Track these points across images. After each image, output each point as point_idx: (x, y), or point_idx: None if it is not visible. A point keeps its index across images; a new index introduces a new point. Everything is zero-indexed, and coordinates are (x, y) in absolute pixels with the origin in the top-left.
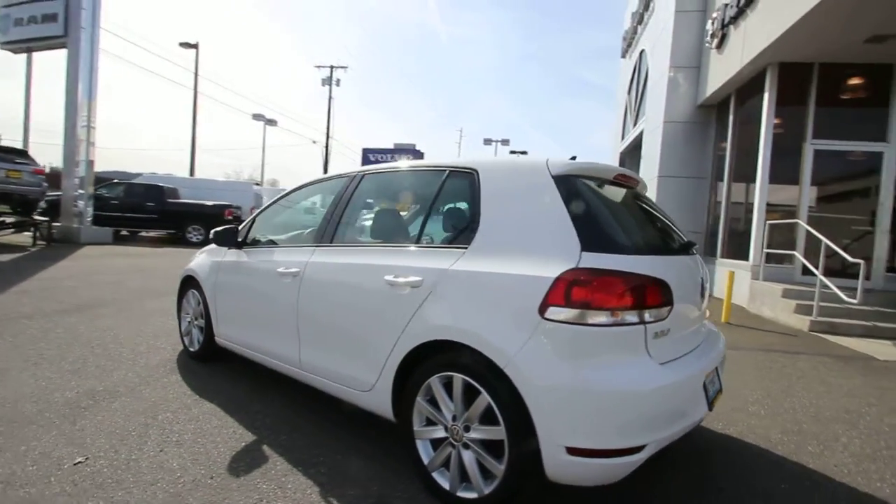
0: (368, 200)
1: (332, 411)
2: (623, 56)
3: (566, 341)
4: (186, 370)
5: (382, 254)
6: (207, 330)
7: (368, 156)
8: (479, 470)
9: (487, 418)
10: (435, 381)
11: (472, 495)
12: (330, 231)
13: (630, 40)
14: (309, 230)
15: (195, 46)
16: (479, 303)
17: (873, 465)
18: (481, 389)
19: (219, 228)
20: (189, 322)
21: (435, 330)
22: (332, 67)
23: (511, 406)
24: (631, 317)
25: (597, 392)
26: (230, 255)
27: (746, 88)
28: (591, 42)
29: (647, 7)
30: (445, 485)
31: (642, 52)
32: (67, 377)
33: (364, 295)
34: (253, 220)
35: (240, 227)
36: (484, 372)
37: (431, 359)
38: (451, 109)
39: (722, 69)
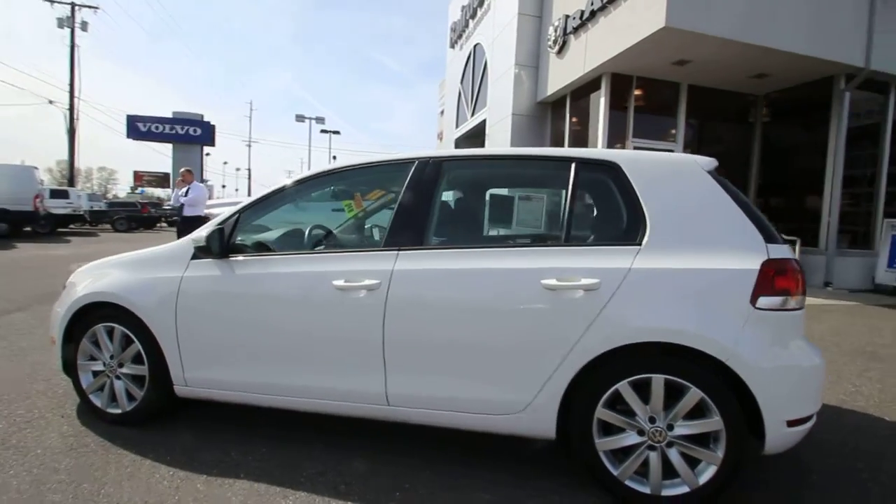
0: (461, 193)
1: (409, 446)
2: (452, 46)
3: (775, 326)
4: (134, 444)
5: (520, 255)
6: (157, 379)
7: (137, 124)
8: (687, 464)
9: (696, 412)
10: (625, 387)
11: (682, 490)
12: (415, 230)
13: (461, 32)
14: (305, 231)
15: None
16: (684, 300)
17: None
18: (690, 385)
19: (206, 232)
20: (103, 372)
21: (632, 333)
22: (73, 5)
23: (729, 395)
24: (802, 300)
25: (804, 368)
26: (200, 268)
27: (580, 91)
28: (386, 25)
29: (480, 3)
30: (645, 489)
31: (477, 45)
32: None
33: (510, 305)
34: (236, 221)
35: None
36: (693, 368)
37: (617, 364)
38: (235, 80)
39: (562, 72)
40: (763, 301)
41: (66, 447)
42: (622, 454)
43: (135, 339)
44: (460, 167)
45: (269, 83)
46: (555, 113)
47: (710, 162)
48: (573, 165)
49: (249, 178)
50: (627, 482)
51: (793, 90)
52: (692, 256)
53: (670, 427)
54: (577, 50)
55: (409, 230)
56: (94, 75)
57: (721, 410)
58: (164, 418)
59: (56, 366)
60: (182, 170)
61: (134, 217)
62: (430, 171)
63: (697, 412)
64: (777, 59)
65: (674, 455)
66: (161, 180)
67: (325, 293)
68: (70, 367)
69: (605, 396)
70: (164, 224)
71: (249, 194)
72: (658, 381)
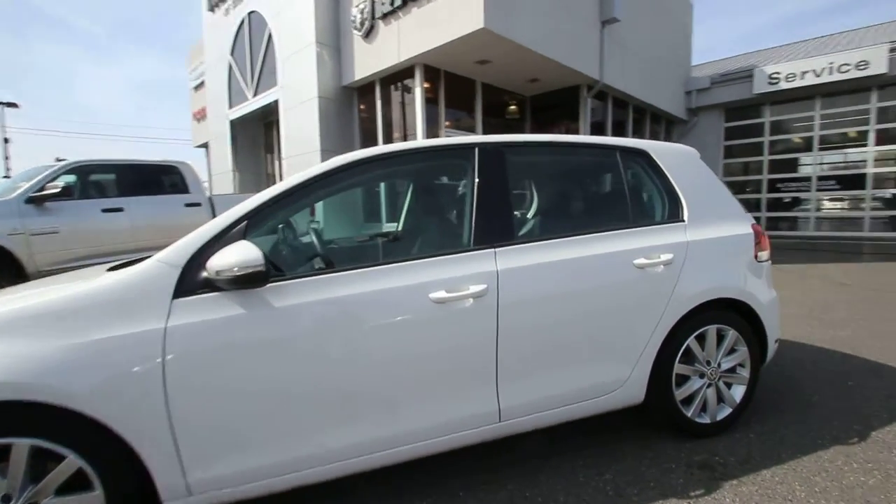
0: (534, 182)
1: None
2: (212, 10)
3: (764, 273)
4: None
5: (605, 240)
6: (122, 502)
7: None
8: (728, 389)
9: (731, 348)
10: (693, 342)
11: (727, 412)
12: (503, 224)
13: None
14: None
15: None
16: (722, 262)
17: None
18: (730, 328)
19: (256, 252)
20: None
21: (699, 295)
22: None
23: (750, 330)
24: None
25: (776, 301)
26: (198, 310)
27: (391, 79)
28: None
29: None
30: (706, 420)
31: (253, 13)
32: None
33: (611, 288)
34: (245, 229)
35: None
36: (732, 315)
37: (687, 324)
38: None
39: (372, 58)
40: (760, 255)
41: None
42: (688, 399)
43: (69, 453)
44: (520, 154)
45: None
46: (362, 98)
47: (696, 151)
48: (618, 153)
49: None
50: (696, 419)
51: (551, 94)
52: (715, 227)
53: (719, 365)
54: (389, 37)
55: (497, 224)
56: None
57: (747, 342)
58: None
59: None
60: None
61: None
62: (496, 158)
63: (732, 348)
64: (549, 67)
65: (721, 386)
66: None
67: (420, 310)
68: None
69: (679, 353)
70: None
71: None
72: (712, 331)
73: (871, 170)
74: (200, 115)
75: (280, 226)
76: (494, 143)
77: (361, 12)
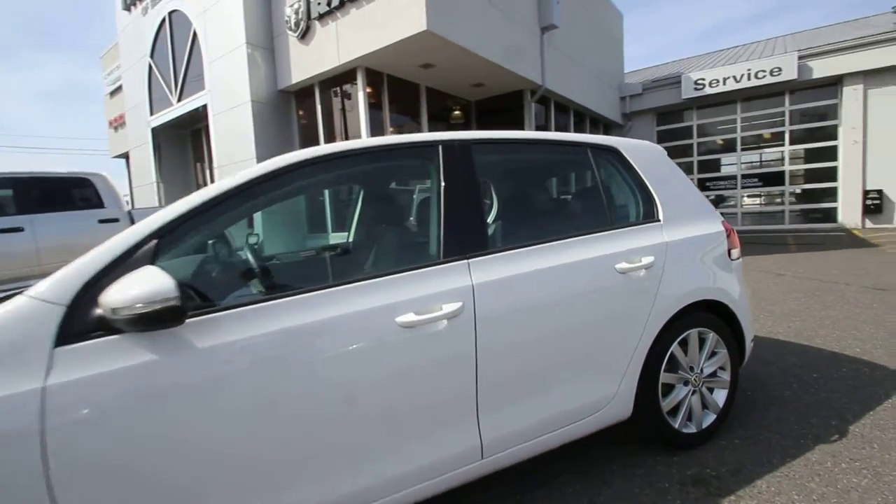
0: (494, 182)
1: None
2: (128, 9)
3: (737, 272)
4: None
5: (586, 244)
6: None
7: None
8: (712, 396)
9: (712, 353)
10: (676, 348)
11: (712, 418)
12: (475, 232)
13: None
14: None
15: None
16: (701, 262)
17: None
18: (710, 331)
19: (170, 282)
20: None
21: (682, 299)
22: None
23: (728, 331)
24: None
25: (748, 299)
26: (92, 361)
27: (331, 82)
28: None
29: None
30: (692, 430)
31: (175, 12)
32: None
33: (595, 295)
34: (155, 248)
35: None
36: (711, 317)
37: (670, 330)
38: None
39: (310, 61)
40: (733, 253)
41: None
42: (673, 409)
43: None
44: (489, 152)
45: None
46: (301, 103)
47: (663, 149)
48: (588, 150)
49: None
50: (683, 430)
51: (496, 98)
52: (689, 226)
53: (702, 370)
54: (327, 39)
55: (469, 232)
56: None
57: (726, 344)
58: None
59: None
60: None
61: None
62: (463, 157)
63: (714, 352)
64: (493, 71)
65: (705, 391)
66: None
67: (386, 338)
68: None
69: (664, 362)
70: None
71: None
72: (693, 335)
73: (787, 167)
74: (118, 123)
75: (209, 242)
76: (460, 140)
77: (296, 12)
